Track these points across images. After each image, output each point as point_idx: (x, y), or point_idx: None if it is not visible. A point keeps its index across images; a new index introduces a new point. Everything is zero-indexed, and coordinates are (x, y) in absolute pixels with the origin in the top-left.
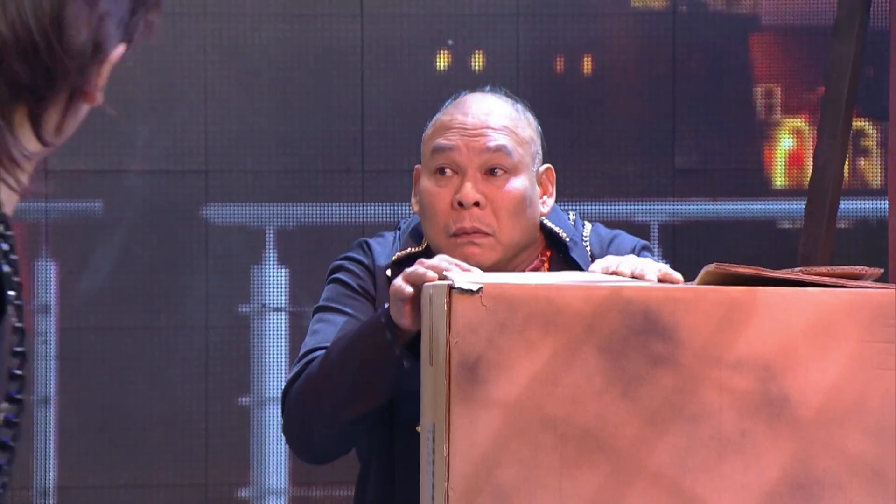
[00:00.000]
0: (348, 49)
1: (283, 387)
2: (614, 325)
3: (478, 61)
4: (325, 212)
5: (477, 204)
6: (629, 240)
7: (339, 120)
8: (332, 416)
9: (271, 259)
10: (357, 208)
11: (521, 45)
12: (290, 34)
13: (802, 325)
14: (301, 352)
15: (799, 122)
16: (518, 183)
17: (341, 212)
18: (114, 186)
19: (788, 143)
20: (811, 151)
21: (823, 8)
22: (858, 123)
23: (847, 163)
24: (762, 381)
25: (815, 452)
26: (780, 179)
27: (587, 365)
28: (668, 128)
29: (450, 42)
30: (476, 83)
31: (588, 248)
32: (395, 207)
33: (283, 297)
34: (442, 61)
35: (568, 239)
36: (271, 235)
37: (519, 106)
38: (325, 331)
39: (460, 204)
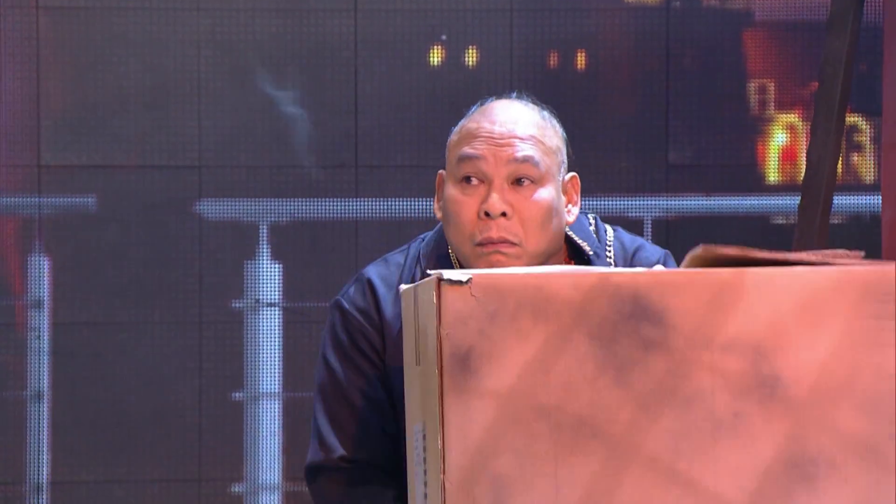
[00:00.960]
0: (342, 44)
1: (305, 464)
2: (604, 311)
3: (471, 56)
4: (319, 207)
5: (504, 214)
6: (652, 252)
7: (333, 115)
8: None
9: (265, 254)
10: (351, 203)
11: (514, 40)
12: (283, 29)
13: (791, 304)
14: (315, 429)
15: (792, 117)
16: (545, 193)
17: (335, 207)
18: (107, 181)
19: (782, 139)
20: (804, 147)
21: (817, 4)
22: (852, 119)
23: (840, 158)
24: (753, 362)
25: (808, 431)
26: (773, 175)
27: (579, 352)
28: (662, 123)
29: (443, 37)
30: (469, 78)
31: (612, 260)
32: (389, 203)
33: (276, 293)
34: (435, 56)
35: (591, 252)
36: (265, 231)
37: (545, 113)
38: (340, 415)
39: (487, 214)
